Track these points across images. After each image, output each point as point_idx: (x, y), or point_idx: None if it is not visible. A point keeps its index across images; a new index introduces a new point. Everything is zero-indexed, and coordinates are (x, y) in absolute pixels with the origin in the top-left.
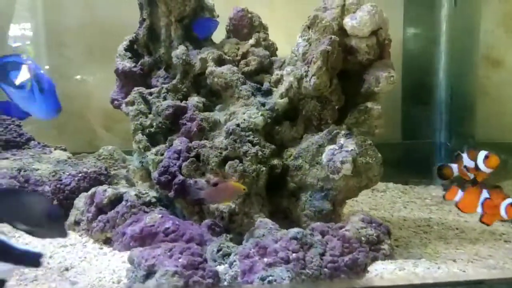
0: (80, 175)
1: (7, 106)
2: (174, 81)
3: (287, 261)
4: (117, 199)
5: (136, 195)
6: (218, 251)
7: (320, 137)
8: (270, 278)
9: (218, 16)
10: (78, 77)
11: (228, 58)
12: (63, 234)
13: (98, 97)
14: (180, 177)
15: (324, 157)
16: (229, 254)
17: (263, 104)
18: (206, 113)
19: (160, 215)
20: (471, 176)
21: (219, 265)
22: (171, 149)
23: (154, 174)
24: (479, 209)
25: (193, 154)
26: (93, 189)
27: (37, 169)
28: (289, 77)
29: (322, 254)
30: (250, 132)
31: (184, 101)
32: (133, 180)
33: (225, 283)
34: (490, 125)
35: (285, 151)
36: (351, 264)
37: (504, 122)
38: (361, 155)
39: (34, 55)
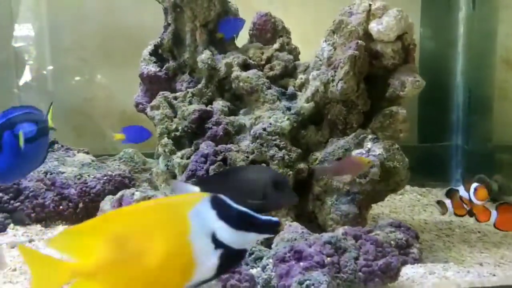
0: (105, 178)
1: None
2: (199, 86)
3: (322, 265)
4: None
5: None
6: (250, 254)
7: (347, 141)
8: (308, 282)
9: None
10: (96, 79)
11: (252, 62)
12: (293, 199)
13: (116, 100)
14: None
15: None
16: (261, 258)
17: (289, 108)
18: (232, 117)
19: None
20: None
21: (252, 268)
22: (198, 153)
23: (181, 178)
24: None
25: (220, 158)
26: (120, 192)
27: (63, 172)
28: (315, 81)
29: (356, 258)
30: (277, 136)
31: (209, 106)
32: (156, 183)
33: (259, 287)
34: (508, 128)
35: (311, 155)
36: (384, 268)
37: None
38: (388, 159)
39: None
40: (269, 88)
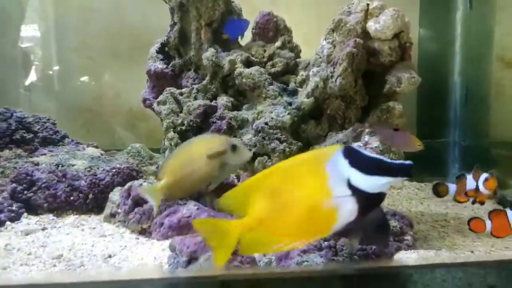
0: (114, 170)
1: None
2: (204, 82)
3: (319, 248)
4: None
5: None
6: None
7: (345, 135)
8: (306, 263)
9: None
10: (104, 78)
11: (255, 60)
12: (385, 245)
13: (123, 97)
14: None
15: None
16: None
17: (290, 103)
18: (235, 112)
19: (196, 207)
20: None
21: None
22: None
23: None
24: None
25: None
26: (129, 183)
27: (74, 165)
28: (315, 77)
29: None
30: (278, 130)
31: (213, 101)
32: None
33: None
34: (505, 125)
35: (311, 148)
36: (378, 253)
37: None
38: (385, 152)
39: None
40: (271, 84)
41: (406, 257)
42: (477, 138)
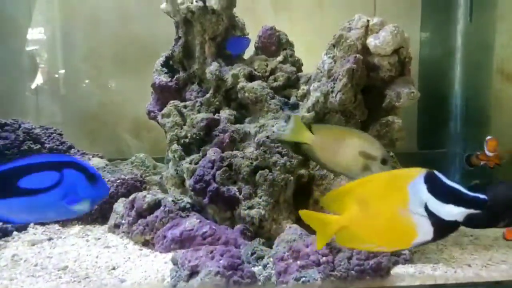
0: (118, 181)
1: None
2: (207, 95)
3: (318, 263)
4: (156, 205)
5: (173, 201)
6: (252, 254)
7: None
8: (304, 279)
9: (248, 34)
10: (110, 87)
11: (257, 74)
12: None
13: (129, 106)
14: (214, 185)
15: None
16: (262, 257)
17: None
18: (237, 125)
19: (198, 220)
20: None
21: (253, 266)
22: (205, 158)
23: (190, 182)
24: None
25: (226, 163)
26: (133, 195)
27: None
28: (316, 92)
29: (349, 258)
30: (279, 144)
31: (216, 114)
32: (166, 186)
33: (260, 283)
34: (504, 136)
35: (311, 161)
36: (376, 267)
37: None
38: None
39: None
40: (273, 98)
41: (403, 271)
42: (477, 149)
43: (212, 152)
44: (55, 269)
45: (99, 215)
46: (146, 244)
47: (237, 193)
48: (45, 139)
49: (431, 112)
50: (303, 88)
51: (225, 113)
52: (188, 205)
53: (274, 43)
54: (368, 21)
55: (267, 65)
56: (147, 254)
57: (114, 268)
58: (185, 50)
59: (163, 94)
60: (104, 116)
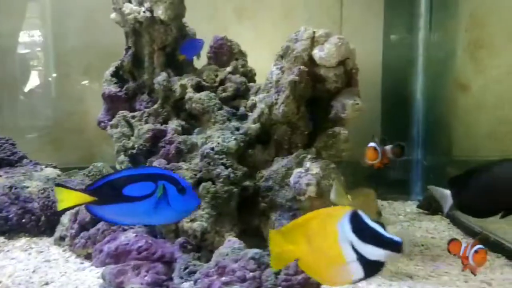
0: None
1: None
2: (155, 106)
3: (243, 279)
4: None
5: None
6: (185, 268)
7: (289, 161)
8: None
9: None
10: (76, 94)
11: (206, 84)
12: None
13: (94, 114)
14: None
15: (292, 179)
16: (194, 272)
17: (237, 129)
18: (184, 136)
19: (134, 234)
20: None
21: (186, 282)
22: None
23: None
24: None
25: None
26: (77, 208)
27: (28, 187)
28: (261, 104)
29: (277, 273)
30: (224, 155)
31: (164, 125)
32: None
33: None
34: (462, 145)
35: (258, 173)
36: (303, 282)
37: (473, 143)
38: (324, 178)
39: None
40: (220, 109)
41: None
42: (437, 156)
43: (157, 164)
44: None
45: (47, 227)
46: (88, 257)
47: None
48: None
49: (395, 119)
50: (253, 98)
51: (172, 124)
52: None
53: (226, 53)
54: (314, 32)
55: (216, 76)
56: (85, 268)
57: (47, 283)
58: (135, 60)
59: (113, 104)
60: (68, 124)
